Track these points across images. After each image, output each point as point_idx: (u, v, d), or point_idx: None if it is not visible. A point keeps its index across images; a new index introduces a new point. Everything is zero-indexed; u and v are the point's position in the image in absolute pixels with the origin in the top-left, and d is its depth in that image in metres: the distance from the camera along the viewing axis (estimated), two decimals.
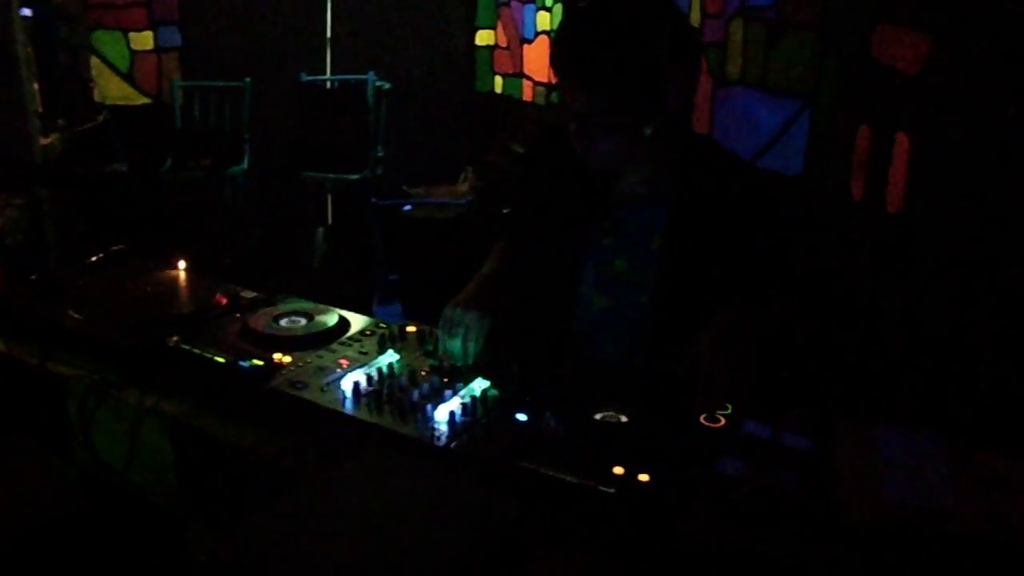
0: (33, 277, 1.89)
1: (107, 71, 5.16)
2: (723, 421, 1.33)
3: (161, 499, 1.57)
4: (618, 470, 1.19)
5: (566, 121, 1.55)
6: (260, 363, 1.52)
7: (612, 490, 1.15)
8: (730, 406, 1.35)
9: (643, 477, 1.18)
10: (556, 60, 1.52)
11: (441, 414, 1.34)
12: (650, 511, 1.14)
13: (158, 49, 5.26)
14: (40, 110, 4.03)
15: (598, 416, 1.34)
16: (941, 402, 2.26)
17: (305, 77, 5.17)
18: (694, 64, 1.57)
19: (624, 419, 1.34)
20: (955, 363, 2.23)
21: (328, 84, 5.41)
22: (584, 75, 1.47)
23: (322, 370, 1.50)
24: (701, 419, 1.34)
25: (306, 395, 1.42)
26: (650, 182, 1.65)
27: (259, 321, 1.67)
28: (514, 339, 1.67)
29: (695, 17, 3.27)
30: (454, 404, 1.36)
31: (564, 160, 1.70)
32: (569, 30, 1.53)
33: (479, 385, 1.44)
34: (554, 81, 1.57)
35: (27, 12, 4.03)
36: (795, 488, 1.16)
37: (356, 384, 1.43)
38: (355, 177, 4.98)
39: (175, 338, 1.60)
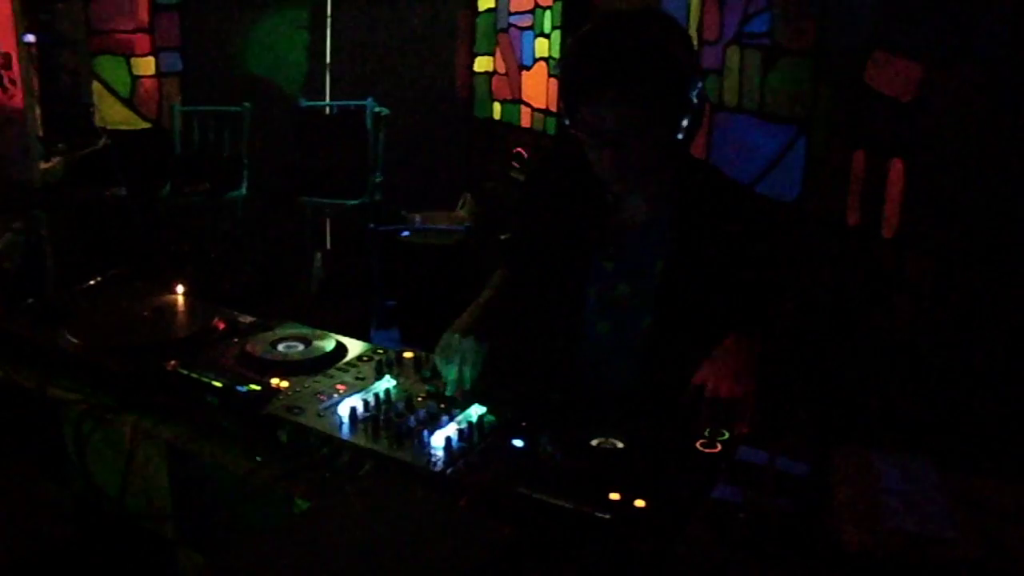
0: (30, 301, 1.88)
1: (108, 96, 5.19)
2: (719, 447, 1.33)
3: (155, 525, 1.57)
4: (614, 496, 1.18)
5: (595, 144, 1.53)
6: (257, 388, 1.52)
7: (608, 516, 1.15)
8: (727, 432, 1.35)
9: (639, 503, 1.17)
10: (582, 81, 1.51)
11: (438, 440, 1.34)
12: (646, 537, 1.13)
13: (159, 74, 5.29)
14: (41, 134, 4.06)
15: (594, 442, 1.34)
16: (937, 427, 2.26)
17: (304, 102, 5.20)
18: (699, 68, 1.59)
19: (620, 445, 1.34)
20: (951, 388, 2.23)
21: (327, 110, 5.44)
22: (619, 87, 1.46)
23: (319, 395, 1.50)
24: (697, 445, 1.34)
25: (303, 420, 1.42)
26: (651, 205, 1.65)
27: (257, 346, 1.68)
28: (516, 365, 1.66)
29: None
30: (451, 430, 1.36)
31: (564, 185, 1.71)
32: (590, 49, 1.51)
33: (476, 411, 1.44)
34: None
35: (30, 38, 4.07)
36: (791, 513, 1.16)
37: (353, 409, 1.43)
38: (353, 203, 4.99)
39: (172, 363, 1.60)
